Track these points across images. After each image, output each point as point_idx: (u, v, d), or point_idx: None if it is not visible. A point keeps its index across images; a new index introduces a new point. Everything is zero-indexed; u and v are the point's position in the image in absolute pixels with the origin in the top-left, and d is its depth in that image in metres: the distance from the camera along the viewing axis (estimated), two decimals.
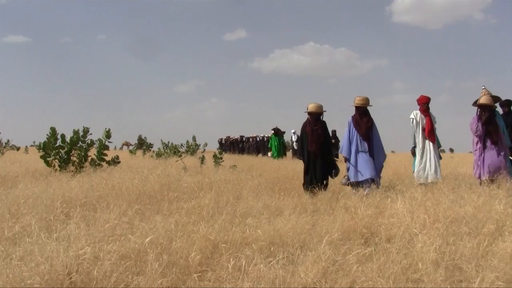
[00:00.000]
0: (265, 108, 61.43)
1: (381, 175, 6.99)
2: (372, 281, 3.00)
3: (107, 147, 10.63)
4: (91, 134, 10.42)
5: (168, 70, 63.94)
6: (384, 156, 6.92)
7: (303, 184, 6.87)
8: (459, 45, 63.25)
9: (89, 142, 10.33)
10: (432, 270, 3.12)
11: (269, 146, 22.18)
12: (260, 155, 24.41)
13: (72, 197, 5.74)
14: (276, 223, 4.38)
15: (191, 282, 3.12)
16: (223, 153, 13.19)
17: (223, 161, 12.05)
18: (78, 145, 10.18)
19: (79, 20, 63.47)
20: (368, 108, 6.90)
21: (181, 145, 20.60)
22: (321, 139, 6.82)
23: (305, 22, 66.35)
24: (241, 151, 28.57)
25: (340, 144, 7.50)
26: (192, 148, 21.48)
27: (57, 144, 10.02)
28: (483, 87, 6.97)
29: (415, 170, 7.29)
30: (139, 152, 21.20)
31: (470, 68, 61.17)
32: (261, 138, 26.98)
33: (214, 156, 11.94)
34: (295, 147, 19.69)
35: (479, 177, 6.71)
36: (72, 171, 9.63)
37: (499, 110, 7.41)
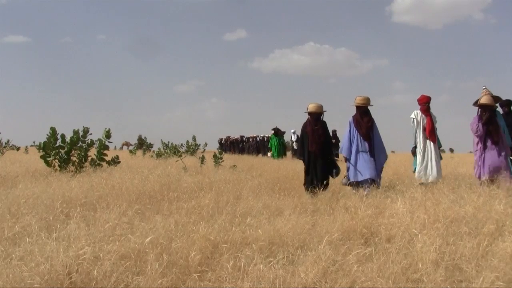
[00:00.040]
0: (265, 108, 61.47)
1: (381, 175, 6.99)
2: (372, 281, 3.00)
3: (107, 147, 10.63)
4: (91, 134, 10.44)
5: (168, 70, 63.98)
6: (385, 157, 6.92)
7: (304, 184, 6.86)
8: (459, 45, 63.27)
9: (89, 142, 10.33)
10: (432, 270, 3.12)
11: (269, 146, 22.18)
12: (260, 155, 24.41)
13: (72, 197, 5.74)
14: (276, 223, 4.38)
15: (191, 282, 3.12)
16: (223, 153, 13.20)
17: (223, 161, 12.05)
18: (78, 145, 10.18)
19: (79, 20, 63.52)
20: (369, 108, 6.90)
21: (181, 145, 20.60)
22: (321, 139, 6.82)
23: (305, 22, 66.38)
24: (241, 151, 28.58)
25: (341, 144, 7.50)
26: (192, 148, 21.47)
27: (57, 144, 10.02)
28: (484, 87, 6.97)
29: (417, 170, 7.28)
30: (139, 152, 21.20)
31: (470, 68, 61.20)
32: (261, 138, 26.99)
33: (214, 156, 11.94)
34: (295, 147, 19.70)
35: (479, 177, 6.70)
36: (72, 171, 9.63)
37: (500, 110, 7.40)
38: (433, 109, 7.41)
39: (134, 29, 63.67)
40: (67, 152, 9.99)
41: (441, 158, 7.49)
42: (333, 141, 16.51)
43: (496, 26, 57.14)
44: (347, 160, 6.84)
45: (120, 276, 3.06)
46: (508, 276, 3.03)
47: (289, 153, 22.68)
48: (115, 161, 10.52)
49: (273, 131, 21.60)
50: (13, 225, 4.29)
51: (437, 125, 7.45)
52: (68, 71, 64.91)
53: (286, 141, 23.75)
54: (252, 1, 64.22)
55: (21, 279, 2.97)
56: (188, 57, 66.57)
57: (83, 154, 10.10)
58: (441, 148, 7.65)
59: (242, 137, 30.64)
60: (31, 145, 26.13)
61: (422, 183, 6.87)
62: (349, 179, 6.76)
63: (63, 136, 10.11)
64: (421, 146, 7.28)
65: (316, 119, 6.89)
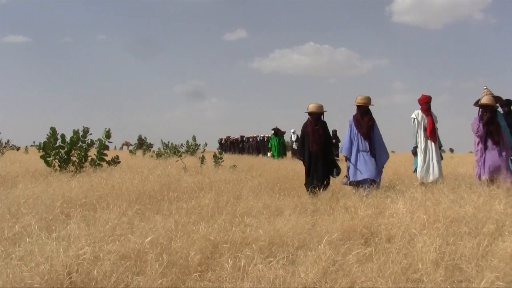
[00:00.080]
0: (265, 108, 61.47)
1: (382, 175, 6.98)
2: (372, 281, 3.00)
3: (107, 147, 10.63)
4: (91, 134, 10.45)
5: (168, 70, 64.00)
6: (387, 156, 6.91)
7: (305, 185, 6.85)
8: (459, 45, 63.29)
9: (89, 142, 10.34)
10: (432, 270, 3.12)
11: (269, 146, 22.18)
12: (260, 155, 24.41)
13: (72, 197, 5.74)
14: (276, 223, 4.38)
15: (191, 282, 3.12)
16: (223, 153, 13.20)
17: (223, 161, 12.05)
18: (78, 145, 10.19)
19: (79, 20, 63.54)
20: (370, 107, 6.89)
21: (181, 145, 20.60)
22: (322, 139, 6.82)
23: (305, 22, 66.41)
24: (241, 151, 28.58)
25: (341, 143, 7.50)
26: (192, 148, 21.47)
27: (57, 144, 10.02)
28: (485, 87, 6.94)
29: (418, 170, 7.25)
30: (139, 152, 21.21)
31: (470, 68, 61.23)
32: (261, 138, 26.99)
33: (214, 156, 11.94)
34: (295, 147, 19.69)
35: (479, 177, 6.69)
36: (72, 171, 9.63)
37: (500, 110, 7.39)
38: (433, 109, 7.40)
39: (134, 29, 63.76)
40: (67, 152, 9.99)
41: (442, 158, 7.47)
42: (334, 141, 16.50)
43: (496, 26, 57.22)
44: (347, 159, 6.84)
45: (120, 276, 3.06)
46: (508, 276, 3.03)
47: (289, 153, 22.68)
48: (115, 161, 10.52)
49: (273, 131, 21.60)
50: (13, 225, 4.29)
51: (437, 125, 7.44)
52: (68, 71, 65.02)
53: (286, 141, 23.75)
54: (252, 1, 64.32)
55: (21, 279, 2.97)
56: (188, 57, 66.69)
57: (83, 154, 10.10)
58: (442, 148, 7.62)
59: (242, 137, 30.63)
60: (31, 145, 26.13)
61: (423, 183, 6.86)
62: (349, 179, 6.76)
63: (63, 136, 10.12)
64: (422, 146, 7.25)
65: (316, 119, 6.89)
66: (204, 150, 23.00)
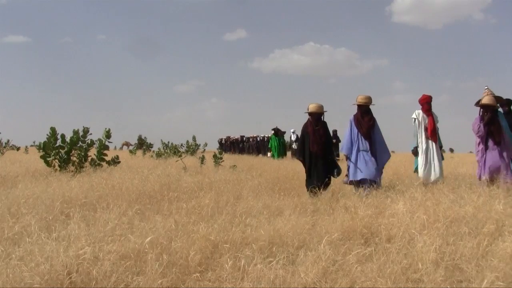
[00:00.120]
0: (265, 108, 61.45)
1: (382, 175, 6.97)
2: (372, 281, 3.00)
3: (107, 147, 10.63)
4: (91, 134, 10.46)
5: (168, 70, 63.96)
6: (388, 156, 6.90)
7: (306, 185, 6.85)
8: (459, 45, 63.24)
9: (89, 142, 10.34)
10: (432, 270, 3.12)
11: (269, 146, 22.18)
12: (260, 155, 24.41)
13: (72, 197, 5.74)
14: (276, 223, 4.39)
15: (191, 282, 3.12)
16: (223, 153, 13.20)
17: (223, 161, 12.05)
18: (78, 145, 10.19)
19: (79, 20, 63.47)
20: (370, 107, 6.89)
21: (181, 145, 20.61)
22: (322, 140, 6.81)
23: (305, 22, 66.35)
24: (241, 151, 28.58)
25: (341, 143, 7.50)
26: (192, 148, 21.47)
27: (57, 144, 10.02)
28: (486, 87, 6.93)
29: (420, 171, 7.22)
30: (139, 152, 21.22)
31: (470, 68, 61.19)
32: (261, 138, 26.99)
33: (214, 156, 11.95)
34: (294, 147, 19.69)
35: (479, 177, 6.68)
36: (72, 171, 9.64)
37: (500, 110, 7.38)
38: (433, 109, 7.40)
39: (134, 29, 63.72)
40: (67, 152, 10.00)
41: (443, 158, 7.46)
42: (334, 141, 16.50)
43: (496, 26, 57.19)
44: (348, 158, 6.84)
45: (120, 276, 3.06)
46: (508, 276, 3.03)
47: (289, 153, 22.69)
48: (115, 161, 10.53)
49: (273, 131, 21.60)
50: (13, 225, 4.29)
51: (438, 125, 7.43)
52: (68, 71, 64.96)
53: (286, 141, 23.75)
54: (252, 1, 64.24)
55: (21, 279, 2.97)
56: (188, 57, 66.64)
57: (83, 154, 10.10)
58: (442, 149, 7.60)
59: (242, 137, 30.64)
60: (31, 145, 26.15)
61: (426, 184, 6.83)
62: (349, 178, 6.76)
63: (63, 136, 10.12)
64: (424, 147, 7.22)
65: (317, 119, 6.89)
66: (204, 150, 23.03)
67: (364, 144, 6.73)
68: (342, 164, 7.20)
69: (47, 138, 10.06)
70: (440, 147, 7.42)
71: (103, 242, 3.68)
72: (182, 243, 3.65)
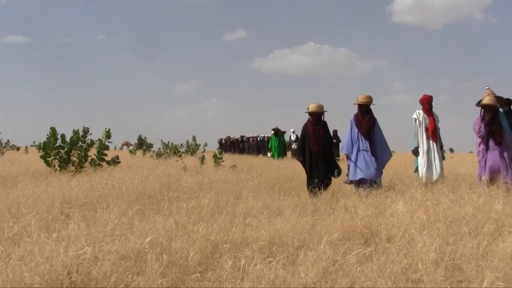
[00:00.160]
0: (265, 108, 61.45)
1: (382, 175, 6.97)
2: (372, 281, 3.00)
3: (107, 147, 10.63)
4: (91, 134, 10.46)
5: (168, 70, 63.97)
6: (389, 155, 6.89)
7: (307, 186, 6.84)
8: (459, 45, 63.26)
9: (89, 142, 10.34)
10: (432, 270, 3.12)
11: (269, 146, 22.18)
12: (260, 155, 24.41)
13: (72, 197, 5.74)
14: (276, 223, 4.38)
15: (191, 282, 3.12)
16: (223, 153, 13.20)
17: (223, 161, 12.05)
18: (78, 145, 10.19)
19: (79, 20, 63.49)
20: (371, 106, 6.88)
21: (181, 145, 20.62)
22: (323, 139, 6.81)
23: (305, 22, 66.37)
24: (241, 151, 28.57)
25: (341, 143, 7.49)
26: (192, 148, 21.47)
27: (57, 144, 10.02)
28: (487, 87, 6.91)
29: (422, 171, 7.21)
30: (139, 152, 21.20)
31: (470, 68, 61.20)
32: (261, 138, 26.99)
33: (214, 156, 11.95)
34: (294, 147, 19.68)
35: (480, 177, 6.67)
36: (72, 171, 9.64)
37: (501, 110, 7.36)
38: (433, 109, 7.39)
39: (134, 29, 63.73)
40: (67, 152, 10.00)
41: (444, 158, 7.44)
42: (334, 141, 16.48)
43: (496, 26, 57.21)
44: (348, 158, 6.84)
45: (120, 276, 3.06)
46: (508, 276, 3.03)
47: (289, 153, 22.69)
48: (115, 161, 10.53)
49: (273, 131, 21.60)
50: (13, 225, 4.29)
51: (438, 125, 7.42)
52: (68, 71, 64.94)
53: (286, 141, 23.76)
54: (252, 1, 64.30)
55: (21, 279, 2.97)
56: (188, 57, 66.63)
57: (83, 154, 10.10)
58: (443, 149, 7.59)
59: (242, 137, 30.62)
60: (31, 145, 26.14)
61: (427, 184, 6.82)
62: (349, 178, 6.76)
63: (63, 136, 10.12)
64: (425, 147, 7.21)
65: (317, 119, 6.89)
66: (204, 150, 23.03)
67: (364, 144, 6.73)
68: (342, 164, 7.20)
69: (47, 138, 10.06)
70: (440, 147, 7.41)
71: (103, 242, 3.68)
72: (182, 243, 3.65)
